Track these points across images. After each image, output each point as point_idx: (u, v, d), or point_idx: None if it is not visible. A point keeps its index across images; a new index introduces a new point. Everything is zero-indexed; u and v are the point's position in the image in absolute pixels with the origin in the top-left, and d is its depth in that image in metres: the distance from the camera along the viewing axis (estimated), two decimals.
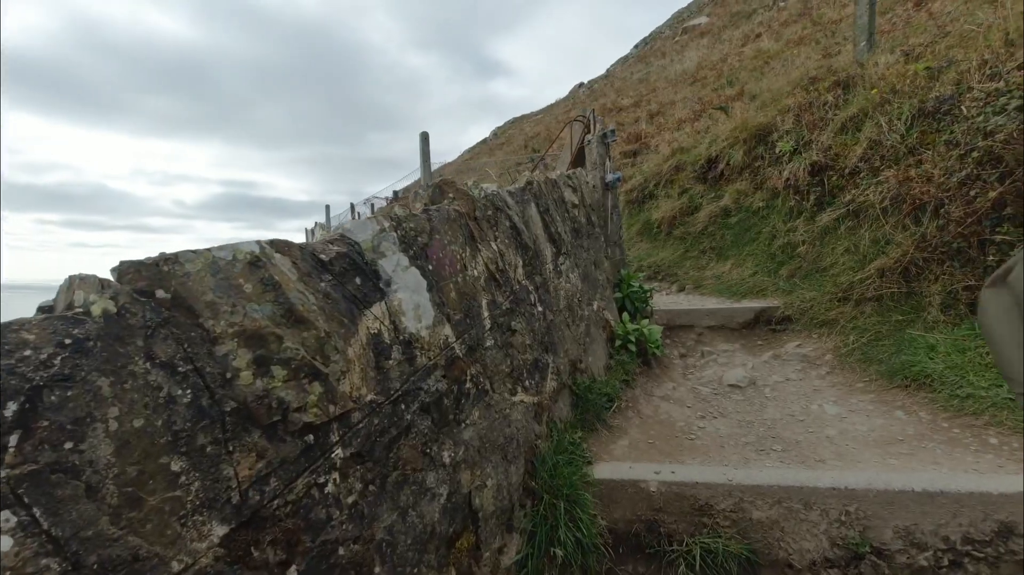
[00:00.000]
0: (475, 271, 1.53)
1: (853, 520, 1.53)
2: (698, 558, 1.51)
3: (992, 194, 2.31)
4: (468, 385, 1.34)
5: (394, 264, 1.17)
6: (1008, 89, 2.46)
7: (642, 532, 1.61)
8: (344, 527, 0.88)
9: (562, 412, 1.95)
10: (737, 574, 1.50)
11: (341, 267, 1.02)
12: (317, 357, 0.89)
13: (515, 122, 25.62)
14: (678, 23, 20.95)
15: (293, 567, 0.77)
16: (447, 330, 1.30)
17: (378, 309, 1.10)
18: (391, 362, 1.09)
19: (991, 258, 2.32)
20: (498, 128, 27.20)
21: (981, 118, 2.51)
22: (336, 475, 0.89)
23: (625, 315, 2.84)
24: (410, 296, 1.19)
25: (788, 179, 4.15)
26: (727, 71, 9.77)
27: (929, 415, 2.12)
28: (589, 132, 3.23)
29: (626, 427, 2.13)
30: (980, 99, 2.66)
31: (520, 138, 16.59)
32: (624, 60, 22.45)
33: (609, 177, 3.13)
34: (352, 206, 11.60)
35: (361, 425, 0.97)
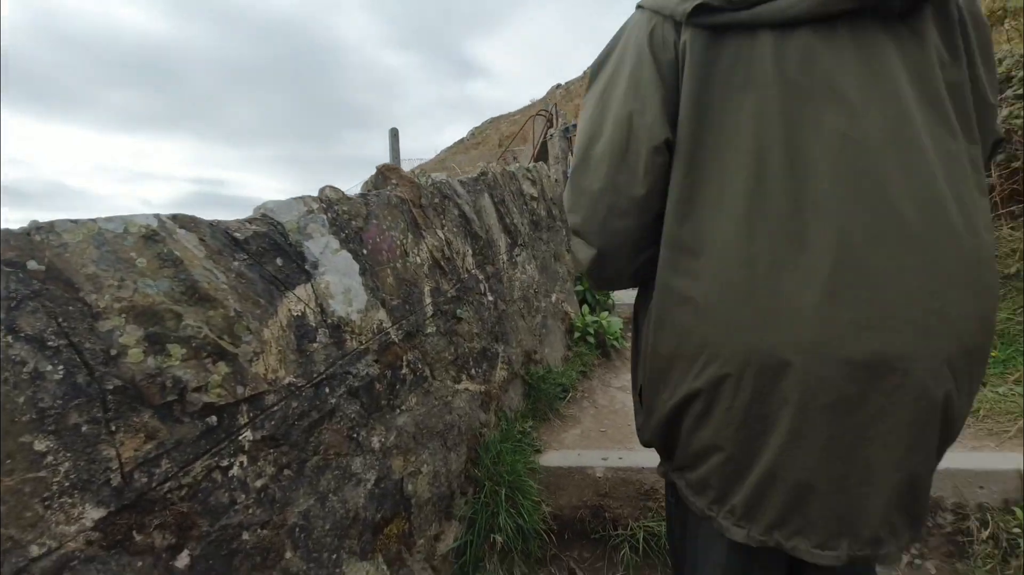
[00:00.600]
0: (418, 258, 1.51)
1: None
2: (641, 541, 1.52)
3: None
4: (404, 371, 1.32)
5: (322, 246, 1.14)
6: None
7: (587, 518, 1.61)
8: (251, 511, 0.85)
9: (513, 402, 1.95)
10: None
11: (259, 247, 0.99)
12: (225, 337, 0.86)
13: (492, 122, 25.66)
14: None
15: (185, 552, 0.75)
16: (381, 315, 1.27)
17: (302, 291, 1.07)
18: (316, 345, 1.07)
19: None
20: (475, 128, 27.19)
21: None
22: (244, 458, 0.86)
23: (585, 308, 2.85)
24: (340, 279, 1.17)
25: None
26: None
27: None
28: (552, 126, 3.23)
29: (580, 416, 2.13)
30: None
31: (496, 137, 16.61)
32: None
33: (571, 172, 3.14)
34: None
35: (276, 408, 0.94)
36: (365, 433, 1.14)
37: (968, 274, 0.62)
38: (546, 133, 3.30)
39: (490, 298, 1.92)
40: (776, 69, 0.62)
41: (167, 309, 0.79)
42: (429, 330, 1.47)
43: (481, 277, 1.90)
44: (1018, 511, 1.42)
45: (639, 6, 0.75)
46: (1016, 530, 1.40)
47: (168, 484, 0.75)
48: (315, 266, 1.11)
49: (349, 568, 1.01)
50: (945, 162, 0.61)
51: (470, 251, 1.85)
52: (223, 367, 0.85)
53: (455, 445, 1.46)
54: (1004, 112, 2.08)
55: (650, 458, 1.69)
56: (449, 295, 1.63)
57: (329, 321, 1.12)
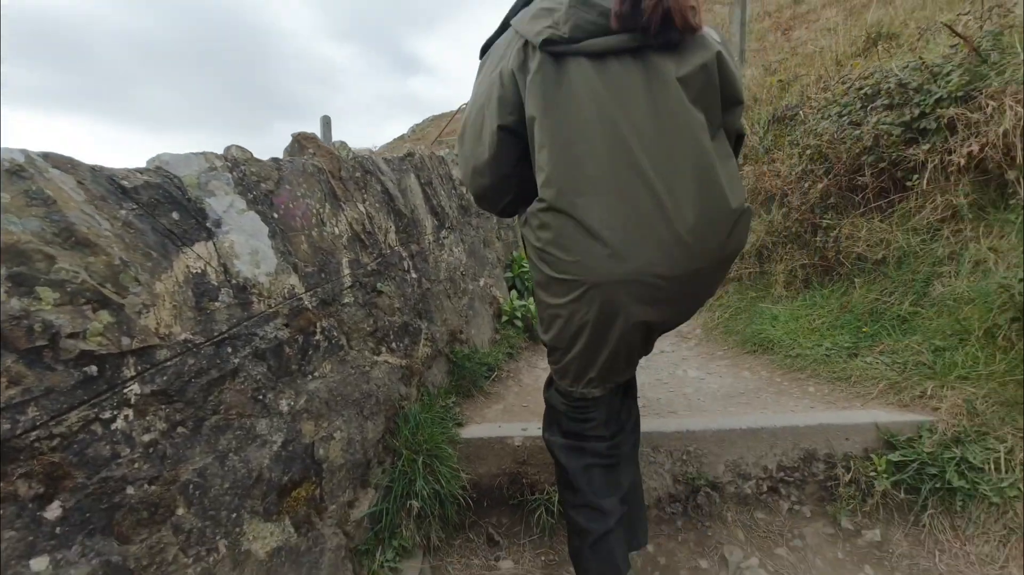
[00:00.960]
0: (336, 229, 1.49)
1: (692, 458, 1.70)
2: (556, 503, 1.60)
3: (820, 186, 2.68)
4: (318, 337, 1.30)
5: (226, 205, 1.11)
6: (834, 99, 2.86)
7: (506, 484, 1.66)
8: (136, 466, 0.82)
9: (436, 378, 1.96)
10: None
11: (151, 198, 0.95)
12: (108, 285, 0.82)
13: (434, 120, 25.32)
14: None
15: (56, 503, 0.71)
16: (293, 280, 1.25)
17: (203, 248, 1.03)
18: (218, 304, 1.04)
19: (819, 240, 2.69)
20: (416, 125, 26.69)
21: (813, 122, 2.90)
22: (130, 412, 0.83)
23: (514, 293, 2.92)
24: (246, 240, 1.14)
25: None
26: None
27: (768, 373, 2.41)
28: None
29: (504, 394, 2.19)
30: (815, 107, 3.07)
31: (435, 133, 16.42)
32: None
33: None
34: None
35: (170, 364, 0.91)
36: (272, 396, 1.12)
37: (723, 214, 0.99)
38: None
39: (414, 275, 1.93)
40: (596, 82, 0.95)
41: (36, 250, 0.74)
42: (346, 300, 1.46)
43: (405, 254, 1.90)
44: (874, 458, 1.64)
45: (512, 26, 1.04)
46: (872, 474, 1.62)
47: (36, 433, 0.70)
48: (218, 224, 1.08)
49: (250, 527, 0.99)
50: (702, 148, 0.96)
51: (393, 228, 1.85)
52: (105, 316, 0.81)
53: (372, 414, 1.45)
54: (873, 119, 2.37)
55: None
56: (370, 268, 1.62)
57: (234, 281, 1.09)
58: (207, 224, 1.06)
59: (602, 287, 0.98)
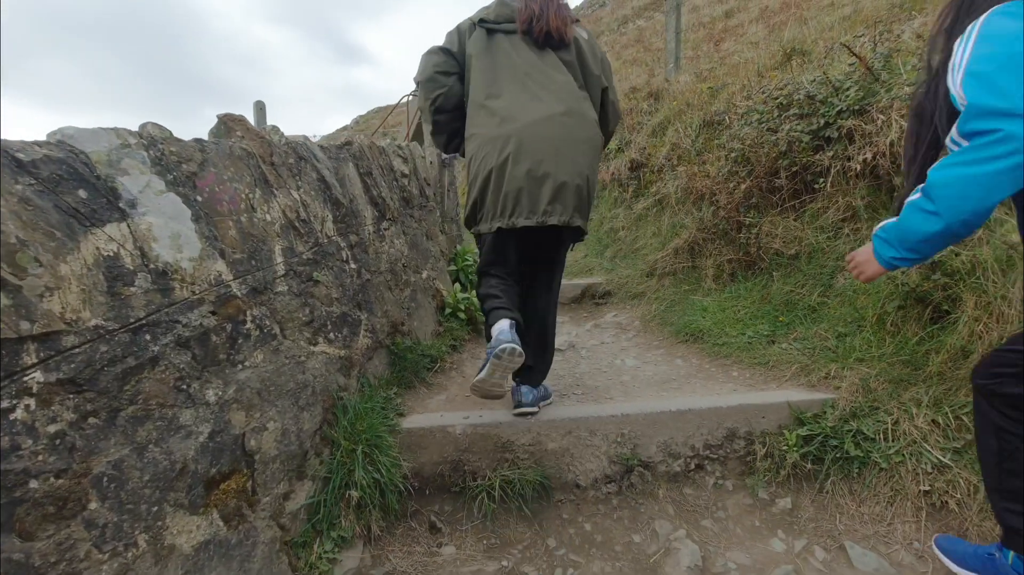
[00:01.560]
0: (268, 215, 1.44)
1: (626, 440, 1.78)
2: (498, 488, 1.63)
3: (743, 187, 2.89)
4: (249, 326, 1.25)
5: (142, 185, 1.05)
6: (755, 107, 3.09)
7: (448, 472, 1.68)
8: (41, 459, 0.76)
9: (378, 370, 1.94)
10: (532, 498, 1.65)
11: (53, 173, 0.88)
12: (3, 265, 0.76)
13: (379, 111, 24.68)
14: None
15: None
16: (220, 266, 1.20)
17: (115, 230, 0.97)
18: (134, 289, 0.98)
19: (743, 237, 2.90)
20: (360, 116, 25.94)
21: (737, 127, 3.11)
22: (31, 401, 0.77)
23: (457, 286, 2.93)
24: (166, 223, 1.08)
25: (613, 173, 4.69)
26: None
27: (698, 360, 2.57)
28: None
29: (447, 385, 2.19)
30: (739, 114, 3.29)
31: (380, 125, 16.03)
32: None
33: (446, 156, 3.19)
34: None
35: (79, 351, 0.85)
36: (198, 385, 1.07)
37: (581, 111, 1.68)
38: (419, 115, 3.29)
39: (353, 266, 1.89)
40: (509, 48, 1.69)
41: None
42: (280, 288, 1.42)
43: (343, 244, 1.86)
44: (786, 433, 1.80)
45: (468, 17, 1.81)
46: (784, 448, 1.78)
47: None
48: (132, 205, 1.02)
49: (174, 521, 0.95)
50: (570, 88, 1.68)
51: (330, 217, 1.80)
52: (2, 298, 0.75)
53: (308, 405, 1.42)
54: (786, 127, 2.58)
55: (508, 415, 1.81)
56: (305, 257, 1.58)
57: (152, 266, 1.03)
58: (120, 204, 1.00)
59: (497, 139, 1.62)
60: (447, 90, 1.74)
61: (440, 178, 3.24)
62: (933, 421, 1.68)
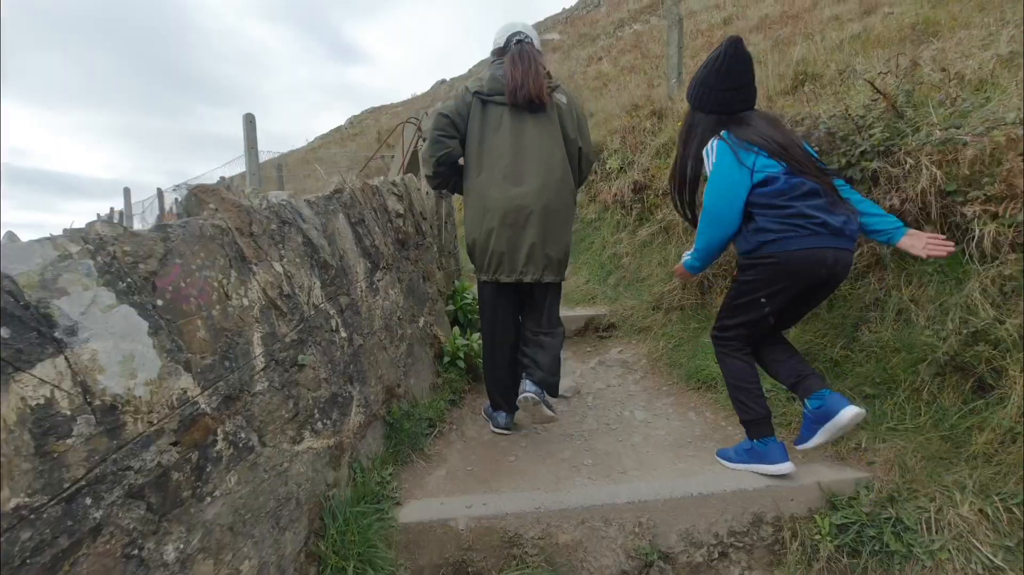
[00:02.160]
0: (245, 300, 1.26)
1: (644, 530, 1.62)
2: None
3: None
4: (220, 446, 1.07)
5: (86, 303, 0.87)
6: None
7: None
8: None
9: (371, 447, 1.77)
10: None
11: None
12: None
13: (372, 112, 24.40)
14: None
15: None
16: (185, 382, 1.02)
17: (49, 368, 0.79)
18: (71, 441, 0.80)
19: None
20: (354, 116, 25.66)
21: None
22: None
23: (456, 329, 2.76)
24: (115, 345, 0.90)
25: (616, 194, 4.53)
26: (572, 87, 10.47)
27: (712, 414, 2.42)
28: (422, 134, 3.07)
29: (446, 454, 2.02)
30: None
31: (375, 130, 15.79)
32: (486, 62, 22.91)
33: None
34: (160, 192, 9.75)
35: None
36: (154, 544, 0.89)
37: (555, 184, 1.98)
38: (416, 142, 3.12)
39: (343, 334, 1.72)
40: (507, 121, 1.97)
41: None
42: (259, 387, 1.24)
43: (332, 311, 1.69)
44: (818, 519, 1.66)
45: (465, 88, 2.05)
46: (817, 537, 1.63)
47: None
48: (72, 332, 0.84)
49: None
50: (553, 152, 1.98)
51: (318, 283, 1.62)
52: None
53: (292, 522, 1.24)
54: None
55: (514, 501, 1.65)
56: (288, 340, 1.40)
57: (97, 402, 0.85)
58: (55, 334, 0.81)
59: (485, 212, 1.98)
60: (449, 151, 2.04)
61: (437, 209, 3.07)
62: (980, 511, 1.53)
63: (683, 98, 4.73)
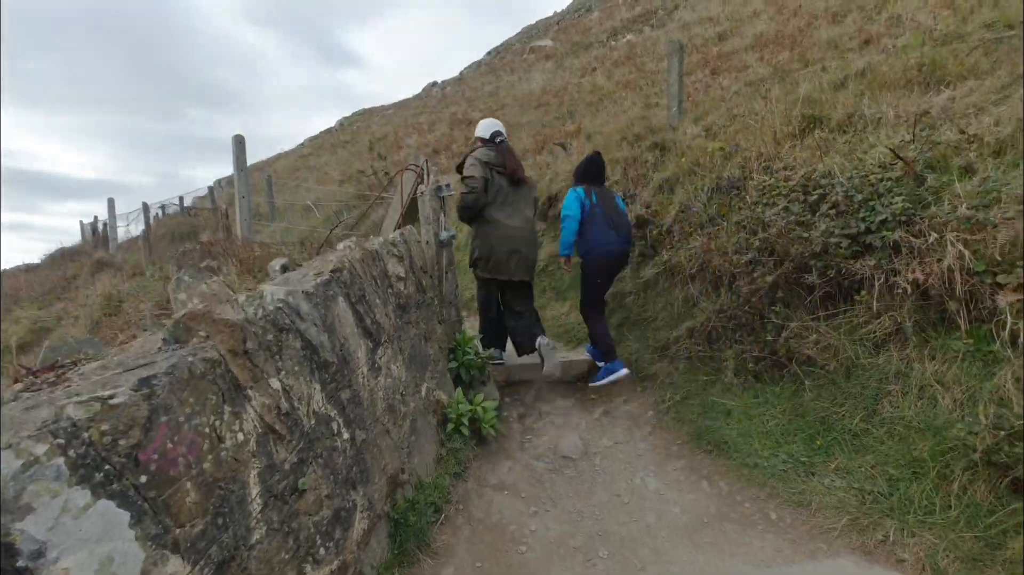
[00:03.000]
0: (239, 435, 1.14)
1: None
2: None
3: (769, 278, 2.66)
4: None
5: (55, 514, 0.75)
6: (776, 185, 2.87)
7: None
8: None
9: (375, 554, 1.65)
10: None
11: None
12: None
13: (363, 114, 24.14)
14: (527, 39, 22.00)
15: None
16: (173, 566, 0.90)
17: None
18: None
19: (769, 334, 2.67)
20: (345, 118, 25.41)
21: (759, 208, 2.89)
22: None
23: (459, 392, 2.64)
24: (90, 552, 0.78)
25: None
26: (567, 101, 10.39)
27: (727, 486, 2.33)
28: (423, 182, 2.96)
29: (454, 545, 1.91)
30: (759, 188, 3.07)
31: (367, 138, 15.57)
32: (477, 65, 22.80)
33: (443, 235, 2.90)
34: (145, 206, 9.50)
35: None
36: None
37: (532, 242, 3.24)
38: (415, 189, 3.00)
39: (346, 435, 1.60)
40: (502, 182, 3.12)
41: None
42: (255, 537, 1.12)
43: (334, 413, 1.57)
44: None
45: (477, 160, 3.09)
46: None
47: None
48: (39, 554, 0.72)
49: None
50: (528, 215, 3.24)
51: (318, 387, 1.51)
52: None
53: None
54: (822, 226, 2.36)
55: None
56: (288, 466, 1.28)
57: None
58: (19, 563, 0.69)
59: (496, 234, 3.06)
60: (480, 198, 3.03)
61: (438, 259, 2.95)
62: None
63: (684, 132, 4.69)
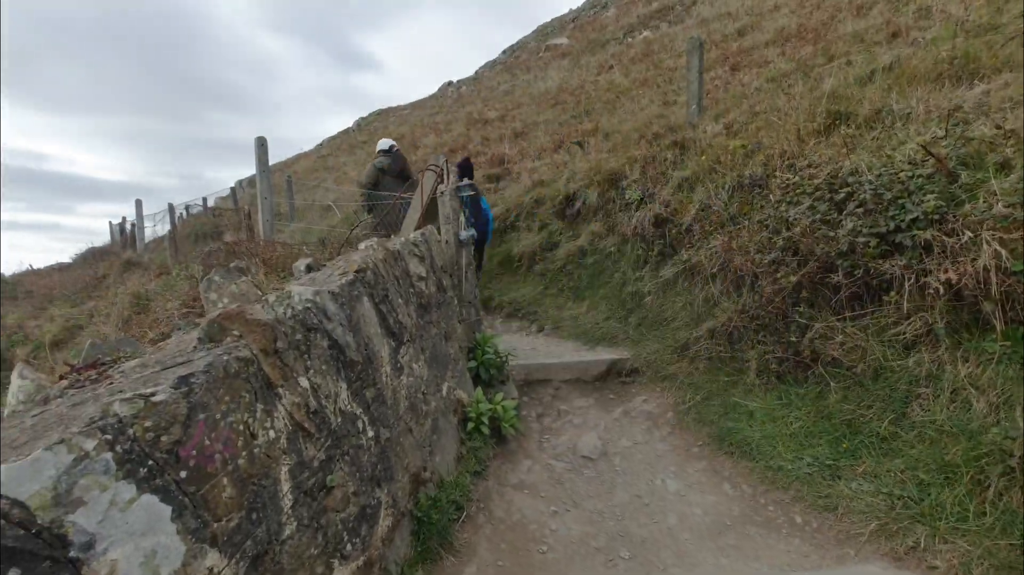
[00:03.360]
0: (271, 433, 1.17)
1: None
2: None
3: (793, 278, 2.61)
4: None
5: (103, 508, 0.78)
6: (801, 185, 2.82)
7: None
8: None
9: (399, 551, 1.67)
10: None
11: None
12: None
13: (380, 114, 24.32)
14: (541, 37, 21.92)
15: None
16: (211, 559, 0.93)
17: None
18: None
19: (792, 334, 2.63)
20: (362, 119, 25.64)
21: (783, 207, 2.84)
22: None
23: (479, 391, 2.66)
24: (136, 545, 0.81)
25: (636, 227, 4.40)
26: (584, 99, 10.32)
27: (750, 488, 2.30)
28: (443, 182, 2.98)
29: (475, 544, 1.93)
30: (782, 187, 3.02)
31: (382, 127, 15.65)
32: (492, 65, 22.79)
33: (463, 235, 2.92)
34: (171, 207, 9.73)
35: None
36: None
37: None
38: (435, 189, 3.03)
39: (370, 433, 1.62)
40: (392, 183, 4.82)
41: None
42: (287, 531, 1.15)
43: (359, 411, 1.59)
44: None
45: (375, 167, 4.86)
46: None
47: None
48: (89, 546, 0.75)
49: None
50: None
51: (344, 386, 1.53)
52: None
53: None
54: (849, 225, 2.30)
55: None
56: (316, 463, 1.31)
57: None
58: (71, 554, 0.73)
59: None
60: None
61: (458, 258, 2.97)
62: None
63: (705, 130, 4.63)
